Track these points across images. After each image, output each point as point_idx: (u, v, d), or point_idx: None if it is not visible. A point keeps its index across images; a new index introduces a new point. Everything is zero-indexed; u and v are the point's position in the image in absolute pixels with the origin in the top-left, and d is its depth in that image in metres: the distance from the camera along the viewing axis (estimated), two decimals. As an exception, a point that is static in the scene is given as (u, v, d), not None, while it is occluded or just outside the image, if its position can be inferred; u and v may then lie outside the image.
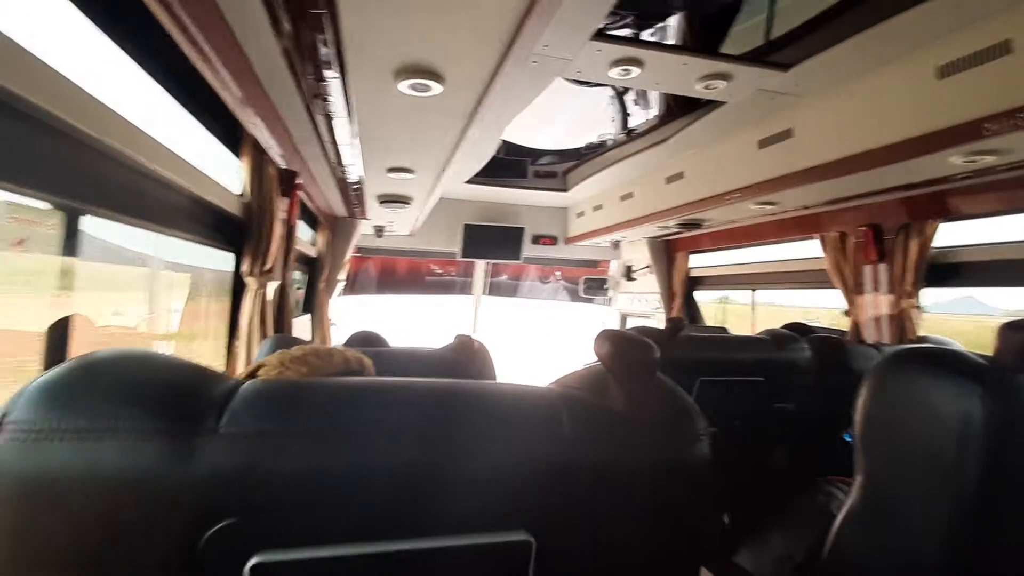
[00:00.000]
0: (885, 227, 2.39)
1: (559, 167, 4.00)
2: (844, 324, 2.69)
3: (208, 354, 1.86)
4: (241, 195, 1.82)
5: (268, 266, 1.81)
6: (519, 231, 4.39)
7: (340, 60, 1.27)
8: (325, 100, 1.51)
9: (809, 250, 3.01)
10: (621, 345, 0.64)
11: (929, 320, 2.41)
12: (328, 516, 0.49)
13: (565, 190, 3.92)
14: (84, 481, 0.43)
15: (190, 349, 1.88)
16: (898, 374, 0.97)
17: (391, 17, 1.09)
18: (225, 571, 0.45)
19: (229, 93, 1.35)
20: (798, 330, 2.12)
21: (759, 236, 3.29)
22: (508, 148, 4.11)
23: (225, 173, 1.82)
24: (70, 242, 0.97)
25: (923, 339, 2.05)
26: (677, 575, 0.65)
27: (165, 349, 1.76)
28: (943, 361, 0.93)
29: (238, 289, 1.84)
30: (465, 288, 5.21)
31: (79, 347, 1.05)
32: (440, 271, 5.49)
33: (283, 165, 1.91)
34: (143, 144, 1.19)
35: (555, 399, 0.60)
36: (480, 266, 4.93)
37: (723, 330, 2.90)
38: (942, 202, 2.15)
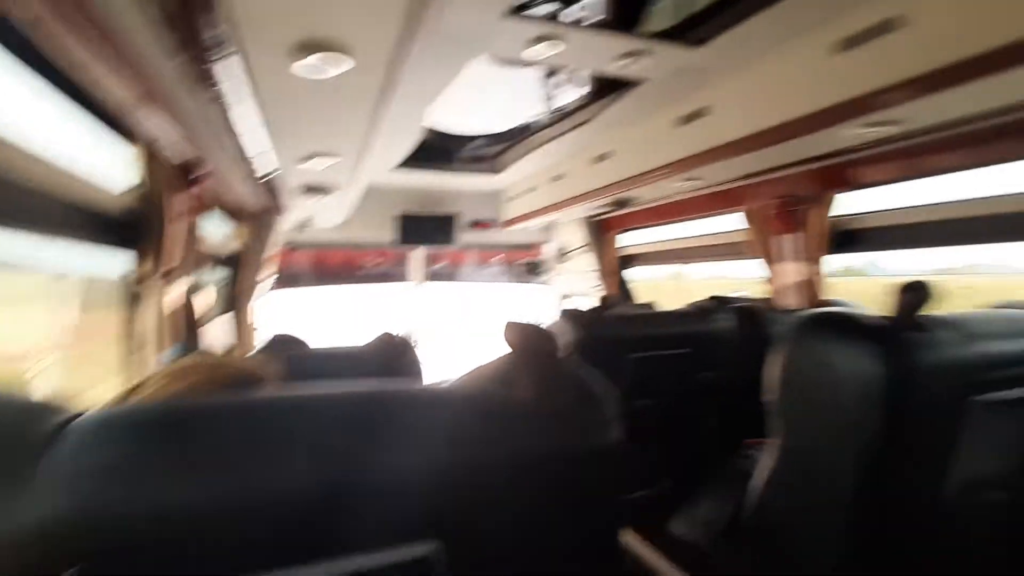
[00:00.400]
0: (797, 198, 2.52)
1: (490, 150, 3.94)
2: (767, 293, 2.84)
3: (101, 370, 1.69)
4: (132, 190, 1.64)
5: (169, 267, 1.65)
6: (454, 217, 4.33)
7: (232, 38, 1.15)
8: (221, 83, 1.38)
9: (733, 223, 3.14)
10: (526, 335, 0.62)
11: (840, 284, 2.58)
12: (212, 553, 0.43)
13: (497, 173, 3.88)
14: None
15: (77, 366, 1.69)
16: (805, 338, 1.02)
17: None
18: None
19: (106, 77, 1.20)
20: (722, 301, 2.20)
21: (687, 212, 3.39)
22: (437, 133, 4.00)
23: (112, 167, 1.64)
24: None
25: (828, 303, 2.19)
26: (595, 555, 0.65)
27: (42, 370, 1.58)
28: (846, 324, 0.98)
29: (137, 294, 1.67)
30: (404, 278, 5.09)
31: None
32: (377, 262, 5.32)
33: (181, 156, 1.74)
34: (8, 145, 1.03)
35: (457, 396, 0.58)
36: (417, 254, 4.82)
37: (648, 306, 2.98)
38: (848, 172, 2.29)
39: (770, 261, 2.73)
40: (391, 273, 5.19)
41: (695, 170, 2.41)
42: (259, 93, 1.47)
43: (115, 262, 1.70)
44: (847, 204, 2.47)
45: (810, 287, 2.49)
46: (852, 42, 1.55)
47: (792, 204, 2.54)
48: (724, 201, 2.99)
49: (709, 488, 1.66)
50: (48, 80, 1.29)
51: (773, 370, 1.07)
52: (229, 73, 1.29)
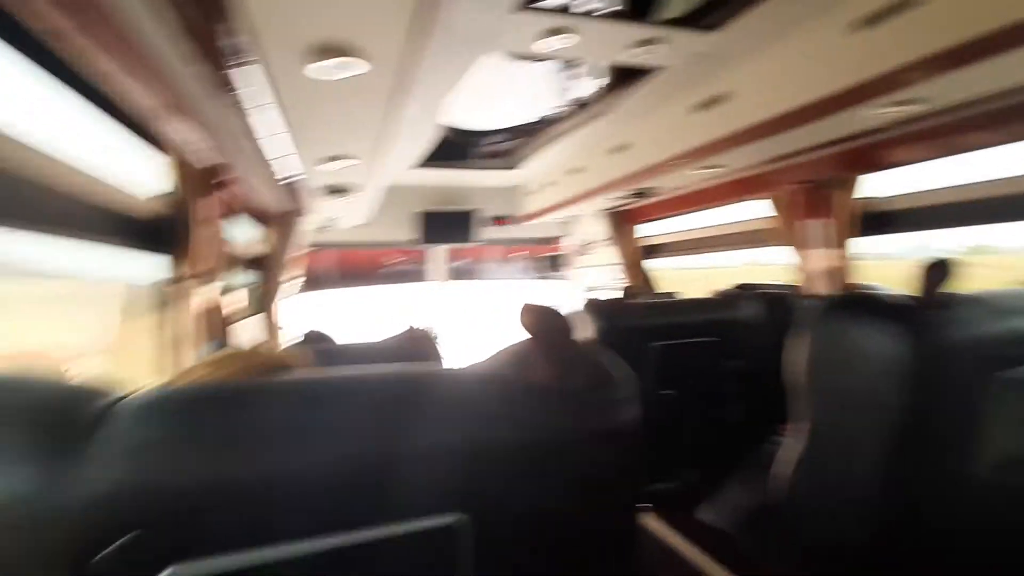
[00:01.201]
0: (825, 181, 2.46)
1: (509, 145, 3.95)
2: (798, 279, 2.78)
3: (142, 367, 1.77)
4: (162, 196, 1.71)
5: (199, 269, 1.72)
6: (474, 213, 4.36)
7: (248, 45, 1.19)
8: (238, 90, 1.42)
9: (758, 210, 3.09)
10: (541, 318, 0.64)
11: (875, 267, 2.52)
12: (251, 521, 0.47)
13: (516, 168, 3.89)
14: None
15: (119, 364, 1.78)
16: (829, 322, 1.00)
17: None
18: None
19: (134, 89, 1.25)
20: (748, 288, 2.17)
21: (709, 200, 3.34)
22: (455, 129, 4.03)
23: (145, 175, 1.71)
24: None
25: (857, 287, 2.14)
26: (614, 534, 0.66)
27: (88, 367, 1.66)
28: (870, 305, 0.96)
29: (171, 295, 1.75)
30: (426, 276, 5.14)
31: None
32: (399, 260, 5.39)
33: (206, 161, 1.80)
34: (30, 151, 1.09)
35: (478, 378, 0.61)
36: (439, 252, 4.87)
37: (674, 295, 2.96)
38: (876, 153, 2.22)
39: (797, 247, 2.67)
40: (413, 272, 5.26)
41: (715, 157, 2.37)
42: (277, 98, 1.51)
43: (150, 267, 1.78)
44: (877, 186, 2.40)
45: (839, 272, 2.43)
46: (872, 19, 1.51)
47: (817, 188, 2.48)
48: (747, 188, 2.93)
49: (737, 475, 1.64)
50: (79, 92, 1.36)
51: (799, 355, 1.06)
52: (248, 79, 1.33)
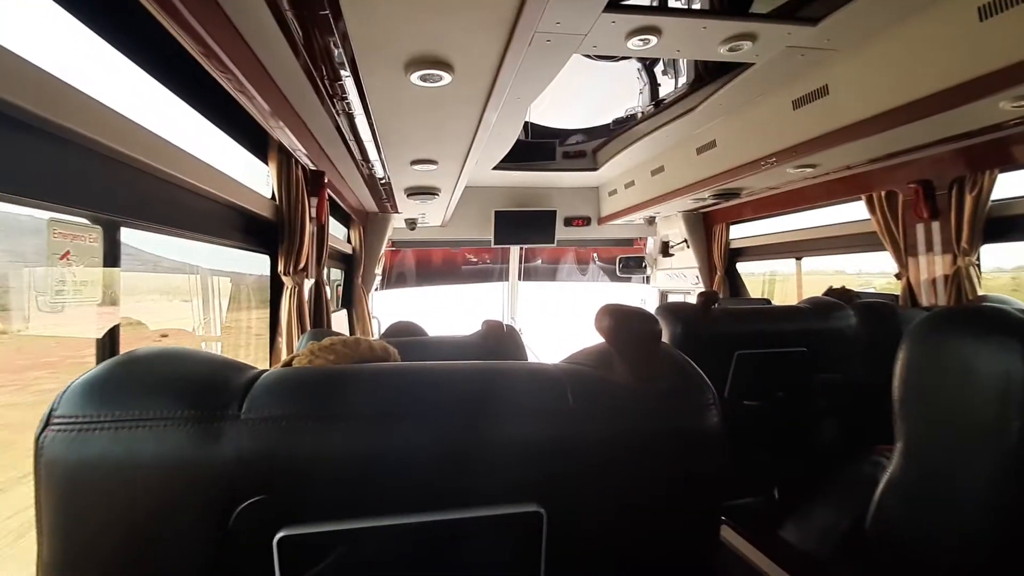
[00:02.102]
0: (936, 182, 2.24)
1: (588, 146, 3.94)
2: (898, 288, 2.55)
3: (253, 350, 1.97)
4: (272, 198, 1.89)
5: (302, 264, 1.88)
6: (551, 214, 4.37)
7: (352, 59, 1.30)
8: (343, 99, 1.54)
9: (857, 212, 2.86)
10: (622, 319, 0.64)
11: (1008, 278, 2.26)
12: (351, 493, 0.52)
13: (595, 169, 3.86)
14: (123, 467, 0.47)
15: (236, 346, 1.99)
16: (932, 336, 0.93)
17: (393, 11, 1.11)
18: (255, 545, 0.49)
19: (255, 105, 1.41)
20: (843, 297, 2.02)
21: (802, 201, 3.14)
22: (534, 130, 4.07)
23: (256, 179, 1.90)
24: (113, 253, 1.05)
25: (983, 299, 1.92)
26: (690, 541, 0.65)
27: (214, 347, 1.87)
28: (979, 319, 0.88)
29: (276, 288, 1.93)
30: (503, 275, 5.23)
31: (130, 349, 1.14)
32: (475, 259, 5.52)
33: (311, 166, 1.97)
34: (177, 159, 1.26)
35: (559, 375, 0.61)
36: (515, 252, 4.93)
37: (766, 302, 2.80)
38: (1000, 151, 1.99)
39: (904, 253, 2.44)
40: (490, 271, 5.38)
41: (810, 156, 2.23)
42: (375, 106, 1.62)
43: (260, 261, 1.98)
44: (1008, 188, 2.14)
45: (958, 281, 2.19)
46: (996, 8, 1.37)
47: (929, 189, 2.26)
48: (844, 188, 2.73)
49: (826, 494, 1.54)
50: (210, 110, 1.53)
51: (897, 370, 0.99)
52: (351, 88, 1.44)
